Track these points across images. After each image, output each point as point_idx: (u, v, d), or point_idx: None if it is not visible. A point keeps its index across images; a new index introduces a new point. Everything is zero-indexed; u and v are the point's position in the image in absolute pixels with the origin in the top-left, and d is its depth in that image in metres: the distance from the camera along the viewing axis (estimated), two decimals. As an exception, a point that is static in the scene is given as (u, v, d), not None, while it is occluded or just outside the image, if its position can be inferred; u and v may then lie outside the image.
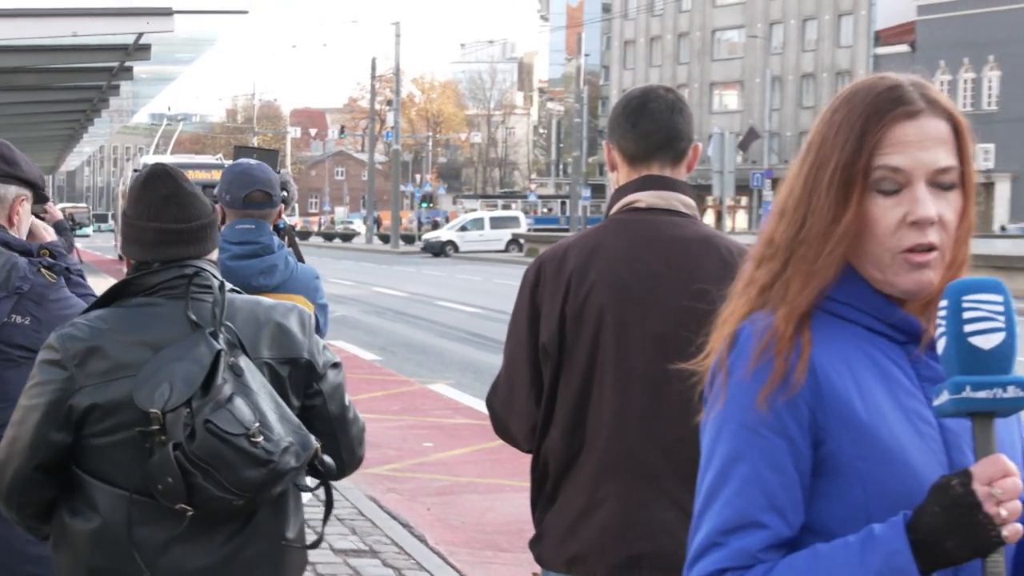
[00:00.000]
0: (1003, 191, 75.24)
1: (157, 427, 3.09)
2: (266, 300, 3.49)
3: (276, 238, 5.24)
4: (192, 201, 3.38)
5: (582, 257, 3.40)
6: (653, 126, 3.46)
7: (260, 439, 3.06)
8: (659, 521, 3.26)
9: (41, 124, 29.10)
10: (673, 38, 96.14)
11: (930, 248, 1.96)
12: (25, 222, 4.21)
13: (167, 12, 12.83)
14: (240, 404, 3.10)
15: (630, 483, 3.32)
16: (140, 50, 14.60)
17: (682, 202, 3.47)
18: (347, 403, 3.48)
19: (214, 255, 3.47)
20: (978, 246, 2.16)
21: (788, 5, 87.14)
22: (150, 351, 3.19)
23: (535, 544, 3.52)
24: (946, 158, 1.98)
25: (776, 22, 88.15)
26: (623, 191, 3.49)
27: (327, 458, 3.32)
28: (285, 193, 5.73)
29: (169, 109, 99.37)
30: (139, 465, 3.14)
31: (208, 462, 3.05)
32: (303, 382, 3.37)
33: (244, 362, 3.19)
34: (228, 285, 3.37)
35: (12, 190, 4.08)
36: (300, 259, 5.55)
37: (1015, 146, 71.91)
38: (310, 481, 3.43)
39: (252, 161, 5.62)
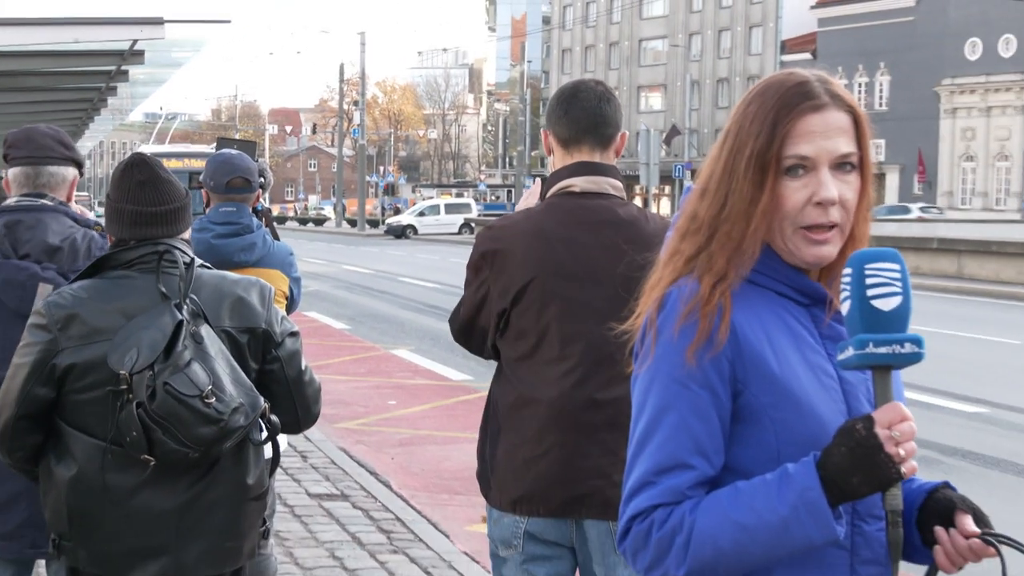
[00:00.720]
0: (892, 180, 75.80)
1: (125, 387, 3.11)
2: (232, 275, 3.48)
3: (255, 219, 5.20)
4: (166, 187, 3.38)
5: (528, 240, 3.39)
6: (582, 112, 3.43)
7: (212, 400, 3.08)
8: (595, 467, 3.28)
9: (47, 122, 28.83)
10: (605, 47, 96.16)
11: (831, 226, 1.97)
12: (72, 199, 4.19)
13: (159, 21, 12.72)
14: (197, 368, 3.11)
15: (570, 436, 3.33)
16: (135, 55, 14.41)
17: (612, 185, 3.45)
18: (303, 367, 3.47)
19: (187, 234, 3.46)
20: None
21: (705, 18, 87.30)
22: (124, 318, 3.20)
23: (484, 487, 3.52)
24: (846, 145, 1.99)
25: (695, 33, 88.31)
26: (559, 175, 3.46)
27: (274, 417, 3.33)
28: (262, 179, 5.69)
29: (161, 108, 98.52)
30: (111, 419, 3.16)
31: (166, 419, 3.07)
32: (261, 349, 3.37)
33: (205, 330, 3.20)
34: (198, 261, 3.38)
35: (71, 171, 4.08)
36: (276, 238, 5.52)
37: (902, 141, 72.68)
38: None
39: (233, 151, 5.58)
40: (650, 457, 1.94)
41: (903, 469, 1.82)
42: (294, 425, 3.50)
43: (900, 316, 1.86)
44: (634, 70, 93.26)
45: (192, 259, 3.36)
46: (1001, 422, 11.77)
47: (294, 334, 3.47)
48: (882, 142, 75.35)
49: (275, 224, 6.18)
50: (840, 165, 1.99)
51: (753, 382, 1.95)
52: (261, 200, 5.68)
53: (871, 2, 76.58)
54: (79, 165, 4.12)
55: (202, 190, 5.29)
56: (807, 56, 78.24)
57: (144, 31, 12.79)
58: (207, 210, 5.22)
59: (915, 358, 1.86)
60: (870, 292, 1.86)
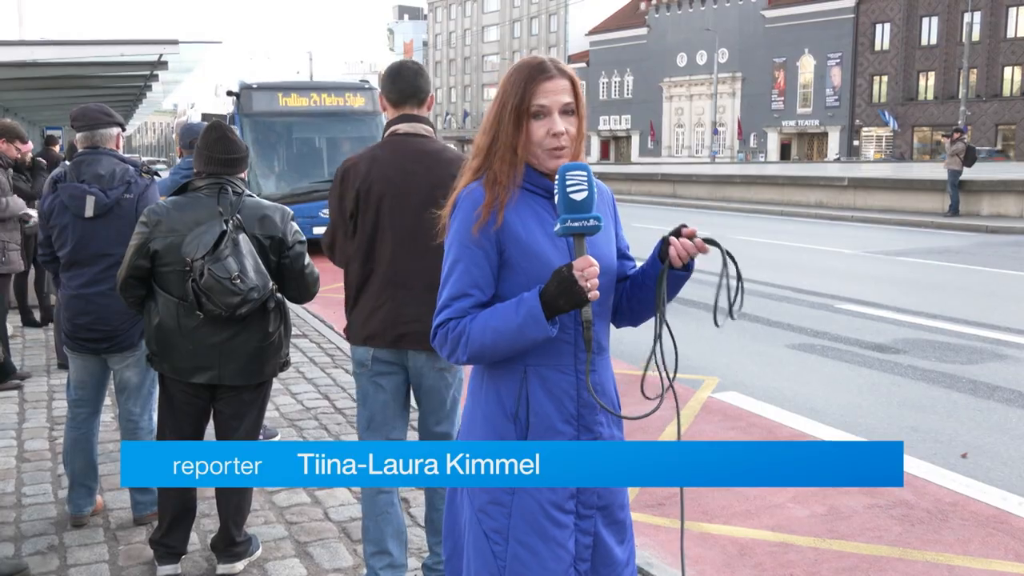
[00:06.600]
0: (636, 140, 76.63)
1: (189, 269, 3.13)
2: (266, 202, 3.38)
3: None
4: (231, 144, 3.35)
5: (368, 163, 3.12)
6: (404, 83, 3.17)
7: (238, 281, 3.09)
8: (415, 313, 3.05)
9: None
10: (461, 60, 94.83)
11: (563, 147, 1.94)
12: (120, 147, 4.07)
13: (175, 42, 12.36)
14: (230, 261, 3.11)
15: (399, 293, 3.09)
16: (161, 64, 13.80)
17: (424, 129, 3.18)
18: (306, 263, 3.37)
19: (243, 174, 3.40)
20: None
21: (522, 42, 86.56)
22: (194, 224, 3.20)
23: (347, 331, 3.24)
24: (568, 98, 1.94)
25: (516, 51, 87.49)
26: (391, 124, 3.19)
27: (279, 295, 3.35)
28: None
29: (182, 100, 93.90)
30: (182, 286, 3.19)
31: (207, 291, 3.09)
32: (278, 249, 3.32)
33: (242, 237, 3.19)
34: (247, 192, 3.34)
35: (115, 130, 3.96)
36: None
37: (641, 116, 73.69)
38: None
39: (197, 122, 5.64)
40: (448, 290, 1.92)
41: (590, 295, 1.80)
42: (298, 299, 3.42)
43: (587, 203, 1.79)
44: (480, 74, 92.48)
45: (242, 191, 3.31)
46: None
47: (302, 242, 3.35)
48: (629, 116, 76.23)
49: None
50: (565, 111, 1.95)
51: (510, 246, 1.92)
52: None
53: (621, 31, 76.65)
54: (120, 124, 3.99)
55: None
56: (583, 65, 78.07)
57: (167, 49, 12.31)
58: (179, 160, 5.20)
59: (596, 229, 1.80)
60: (568, 189, 1.80)
